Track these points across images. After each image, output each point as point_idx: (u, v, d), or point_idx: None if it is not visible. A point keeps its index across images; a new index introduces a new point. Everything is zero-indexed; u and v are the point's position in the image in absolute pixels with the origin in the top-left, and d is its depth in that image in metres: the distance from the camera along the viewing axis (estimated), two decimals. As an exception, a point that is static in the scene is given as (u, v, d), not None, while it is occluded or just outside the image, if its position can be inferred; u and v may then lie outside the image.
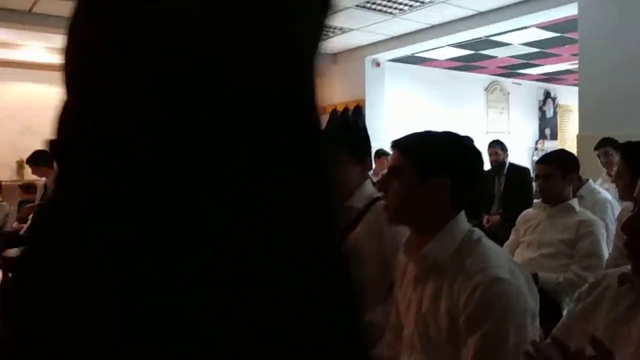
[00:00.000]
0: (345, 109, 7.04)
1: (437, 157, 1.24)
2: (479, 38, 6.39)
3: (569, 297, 2.19)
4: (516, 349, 1.06)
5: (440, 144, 1.27)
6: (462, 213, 1.26)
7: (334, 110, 7.16)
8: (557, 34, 6.39)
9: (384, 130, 7.17)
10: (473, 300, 1.10)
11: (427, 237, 1.23)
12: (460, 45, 6.92)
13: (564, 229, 2.40)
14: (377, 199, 1.68)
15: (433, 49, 6.97)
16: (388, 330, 1.42)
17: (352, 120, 6.91)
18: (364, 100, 6.97)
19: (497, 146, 4.47)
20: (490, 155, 4.46)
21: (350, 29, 6.15)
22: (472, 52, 7.41)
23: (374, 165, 6.23)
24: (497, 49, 7.22)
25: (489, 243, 1.23)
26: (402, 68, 7.85)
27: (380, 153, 6.01)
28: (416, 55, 7.39)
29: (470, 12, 5.60)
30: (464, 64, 8.30)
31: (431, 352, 1.20)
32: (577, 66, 4.71)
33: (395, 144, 1.32)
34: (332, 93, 7.33)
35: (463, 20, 5.78)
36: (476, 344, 1.08)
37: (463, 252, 1.19)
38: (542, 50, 7.32)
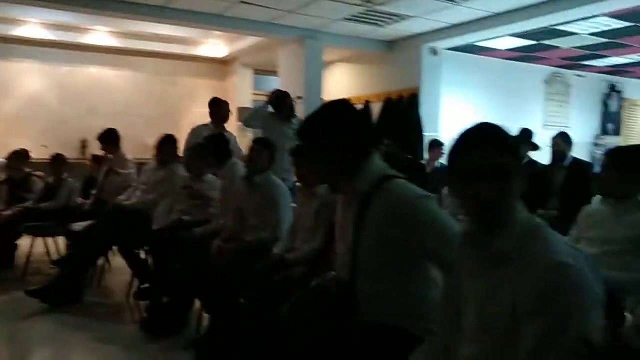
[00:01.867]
0: (400, 97, 6.96)
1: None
2: (543, 28, 6.15)
3: (634, 298, 2.10)
4: (579, 336, 1.04)
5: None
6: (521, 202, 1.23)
7: (389, 99, 7.09)
8: (630, 24, 6.05)
9: (438, 120, 7.05)
10: (537, 287, 1.08)
11: (488, 228, 1.21)
12: (521, 35, 6.69)
13: (631, 226, 2.29)
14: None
15: (493, 38, 6.77)
16: (441, 322, 1.42)
17: (407, 109, 6.83)
18: (419, 89, 6.86)
19: (559, 137, 4.33)
20: (552, 146, 4.34)
21: (409, 16, 6.06)
22: (534, 42, 7.14)
23: (426, 155, 6.15)
24: (562, 39, 6.92)
25: (549, 229, 1.20)
26: (459, 57, 7.66)
27: (435, 143, 5.92)
28: (475, 44, 7.19)
29: (536, 1, 5.39)
30: (524, 55, 8.01)
31: (492, 342, 1.18)
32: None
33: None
34: (388, 81, 7.26)
35: (528, 8, 5.57)
36: (538, 329, 1.06)
37: (525, 239, 1.17)
38: (611, 41, 6.96)
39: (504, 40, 6.97)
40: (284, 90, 5.07)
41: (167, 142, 4.23)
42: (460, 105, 7.65)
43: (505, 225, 1.19)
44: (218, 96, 6.01)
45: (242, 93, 8.40)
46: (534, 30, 6.22)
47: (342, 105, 1.78)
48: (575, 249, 1.17)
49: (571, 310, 1.05)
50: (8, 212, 4.60)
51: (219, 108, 4.90)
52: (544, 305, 1.06)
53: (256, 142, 3.28)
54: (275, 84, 7.96)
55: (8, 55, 7.18)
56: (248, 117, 5.13)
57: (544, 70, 8.94)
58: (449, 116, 7.17)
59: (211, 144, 3.68)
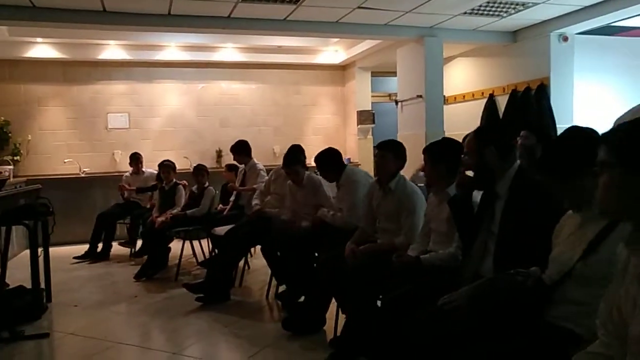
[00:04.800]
0: (527, 89, 6.59)
1: None
2: (694, -3, 5.46)
3: None
4: None
5: None
6: None
7: (515, 90, 6.76)
8: None
9: (572, 112, 6.57)
10: None
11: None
12: (670, 8, 5.98)
13: None
14: None
15: (633, 16, 6.14)
16: (603, 329, 1.35)
17: (535, 100, 6.46)
18: (548, 79, 6.45)
19: None
20: None
21: (533, 3, 5.73)
22: (685, 14, 6.35)
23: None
24: None
25: None
26: (594, 41, 7.04)
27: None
28: (612, 24, 6.58)
29: (685, -31, 4.82)
30: (674, 30, 7.16)
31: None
32: None
33: (602, 137, 1.26)
34: (513, 72, 6.92)
35: (675, -22, 4.99)
36: None
37: None
38: None
39: (648, 15, 6.29)
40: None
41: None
42: (597, 93, 7.04)
43: None
44: (339, 101, 5.77)
45: (361, 96, 8.51)
46: (684, 2, 5.54)
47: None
48: None
49: None
50: (162, 218, 5.15)
51: None
52: None
53: (378, 147, 3.23)
54: (393, 84, 7.97)
55: (153, 78, 8.02)
56: None
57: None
58: (583, 106, 6.65)
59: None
